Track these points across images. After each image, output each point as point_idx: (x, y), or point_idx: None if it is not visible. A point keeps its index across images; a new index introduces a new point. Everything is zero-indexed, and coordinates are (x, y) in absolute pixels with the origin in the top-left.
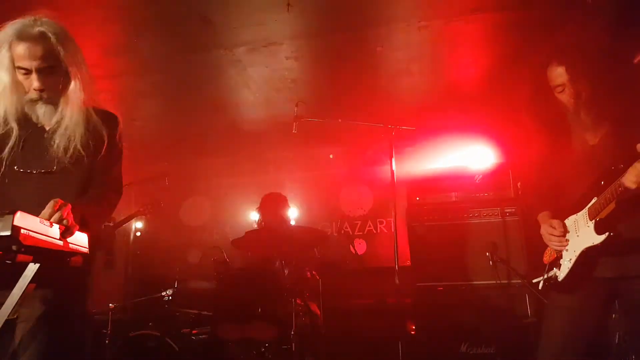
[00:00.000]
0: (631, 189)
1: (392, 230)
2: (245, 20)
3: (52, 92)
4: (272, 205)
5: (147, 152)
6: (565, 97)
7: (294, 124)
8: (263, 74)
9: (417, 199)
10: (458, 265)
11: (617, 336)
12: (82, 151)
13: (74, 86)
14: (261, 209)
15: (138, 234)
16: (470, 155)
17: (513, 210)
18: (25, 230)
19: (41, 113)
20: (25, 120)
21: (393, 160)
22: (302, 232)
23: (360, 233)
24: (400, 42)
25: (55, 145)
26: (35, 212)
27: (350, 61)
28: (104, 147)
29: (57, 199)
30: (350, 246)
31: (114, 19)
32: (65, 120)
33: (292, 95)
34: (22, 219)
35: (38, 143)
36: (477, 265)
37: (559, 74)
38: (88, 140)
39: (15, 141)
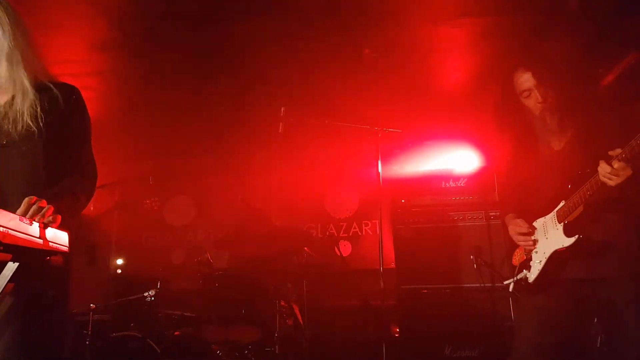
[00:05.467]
0: (610, 188)
1: (378, 232)
2: (231, 18)
3: None
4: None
5: (131, 151)
6: (531, 102)
7: (280, 124)
8: (250, 73)
9: (403, 201)
10: (442, 268)
11: (598, 340)
12: (32, 125)
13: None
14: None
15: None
16: (456, 159)
17: (497, 213)
18: (3, 228)
19: None
20: None
21: (379, 162)
22: (286, 233)
23: (346, 235)
24: (388, 44)
25: (7, 119)
26: None
27: (338, 62)
28: (60, 122)
29: (31, 197)
30: (335, 248)
31: (99, 14)
32: (17, 94)
33: (279, 95)
34: (1, 217)
35: None
36: (461, 268)
37: (525, 79)
38: (40, 114)
39: None
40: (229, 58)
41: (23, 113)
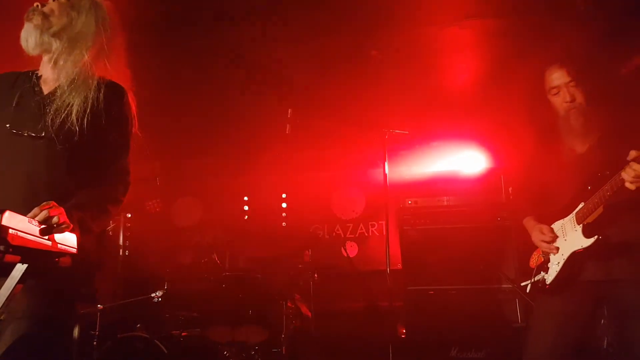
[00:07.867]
0: (630, 190)
1: (384, 233)
2: (239, 20)
3: (49, 16)
4: None
5: (139, 152)
6: (559, 100)
7: (288, 125)
8: (257, 74)
9: (409, 202)
10: (449, 269)
11: (605, 341)
12: (75, 124)
13: (76, 30)
14: None
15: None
16: (463, 160)
17: (504, 215)
18: (13, 230)
19: (24, 36)
20: (31, 79)
21: (386, 163)
22: (293, 234)
23: (352, 236)
24: (395, 46)
25: (49, 110)
26: (21, 178)
27: (345, 64)
28: (104, 123)
29: (48, 201)
30: (342, 249)
31: None
32: (63, 84)
33: (287, 97)
34: (11, 219)
35: (33, 103)
36: (468, 270)
37: (558, 76)
38: (86, 112)
39: (11, 96)
40: (237, 60)
41: (72, 107)
